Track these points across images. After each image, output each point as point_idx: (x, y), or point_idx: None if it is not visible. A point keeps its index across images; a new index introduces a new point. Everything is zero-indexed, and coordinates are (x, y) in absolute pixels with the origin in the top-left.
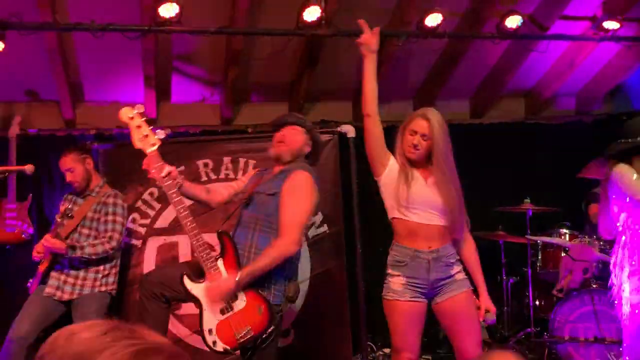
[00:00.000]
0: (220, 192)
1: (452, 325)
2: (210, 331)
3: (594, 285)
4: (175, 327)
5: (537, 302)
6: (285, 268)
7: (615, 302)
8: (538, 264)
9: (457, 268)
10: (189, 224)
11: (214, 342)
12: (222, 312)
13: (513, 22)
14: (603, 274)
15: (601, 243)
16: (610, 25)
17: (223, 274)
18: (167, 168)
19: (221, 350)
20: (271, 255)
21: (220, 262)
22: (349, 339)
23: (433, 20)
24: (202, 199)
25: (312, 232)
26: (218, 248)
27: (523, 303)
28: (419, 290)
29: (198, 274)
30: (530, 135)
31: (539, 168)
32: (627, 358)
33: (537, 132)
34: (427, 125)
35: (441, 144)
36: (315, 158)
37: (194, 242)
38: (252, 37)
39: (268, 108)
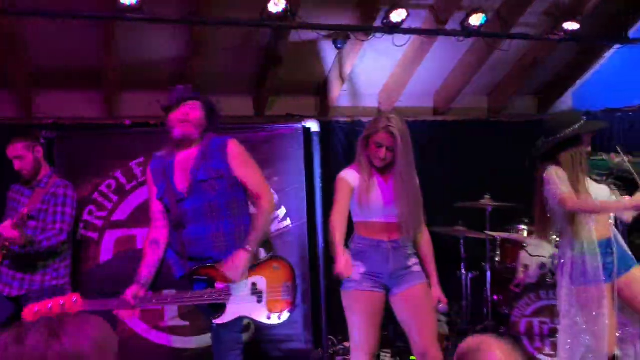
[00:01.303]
0: (163, 223)
1: (409, 317)
2: (269, 317)
3: (550, 281)
4: (134, 323)
5: (496, 297)
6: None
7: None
8: (496, 259)
9: (414, 260)
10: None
11: (278, 317)
12: (259, 300)
13: (477, 20)
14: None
15: (557, 240)
16: (570, 26)
17: (227, 278)
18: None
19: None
20: (266, 215)
21: (217, 285)
22: (309, 333)
23: (398, 16)
24: (161, 256)
25: (275, 226)
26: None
27: (482, 297)
28: (378, 280)
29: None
30: (492, 133)
31: (500, 165)
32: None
33: (498, 130)
34: (392, 139)
35: (404, 157)
36: (214, 125)
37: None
38: (217, 27)
39: (232, 101)
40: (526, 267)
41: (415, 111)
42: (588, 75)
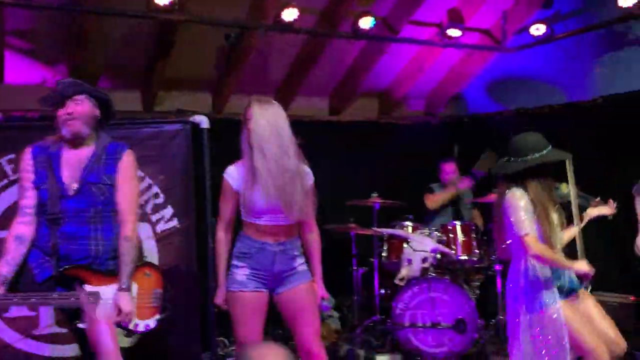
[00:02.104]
0: (32, 219)
1: (292, 316)
2: (136, 325)
3: (431, 274)
4: (4, 332)
5: (383, 291)
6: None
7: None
8: (383, 255)
9: (300, 260)
10: None
11: (145, 325)
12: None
13: (366, 23)
14: (440, 263)
15: (438, 235)
16: (454, 33)
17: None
18: None
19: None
20: (132, 247)
21: (86, 287)
22: (197, 336)
23: (289, 15)
24: (25, 253)
25: (161, 227)
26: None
27: (372, 292)
28: (262, 281)
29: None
30: (382, 134)
31: (390, 165)
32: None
33: (388, 130)
34: (252, 111)
35: (260, 131)
36: (108, 117)
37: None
38: (101, 16)
39: (119, 95)
40: (409, 261)
41: (312, 110)
42: (472, 80)
